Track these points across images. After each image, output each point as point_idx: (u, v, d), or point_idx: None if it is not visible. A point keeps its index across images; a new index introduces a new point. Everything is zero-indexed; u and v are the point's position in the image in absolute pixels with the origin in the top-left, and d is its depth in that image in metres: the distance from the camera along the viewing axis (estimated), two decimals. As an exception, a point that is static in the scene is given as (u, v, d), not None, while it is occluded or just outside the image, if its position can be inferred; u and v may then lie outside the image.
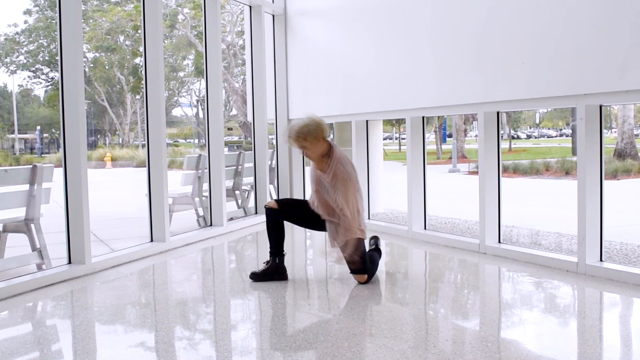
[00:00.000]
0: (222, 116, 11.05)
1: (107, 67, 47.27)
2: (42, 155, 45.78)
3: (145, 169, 9.63)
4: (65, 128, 7.97)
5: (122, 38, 46.86)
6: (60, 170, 8.12)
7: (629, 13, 6.78)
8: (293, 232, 10.80)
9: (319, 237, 9.90)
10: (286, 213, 7.68)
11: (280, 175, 13.33)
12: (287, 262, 7.88)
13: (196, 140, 54.13)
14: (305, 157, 6.89)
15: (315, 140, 7.21)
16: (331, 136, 12.77)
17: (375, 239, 8.26)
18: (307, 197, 7.92)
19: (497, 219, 8.89)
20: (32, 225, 8.25)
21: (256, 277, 7.52)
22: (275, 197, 13.38)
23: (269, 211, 7.61)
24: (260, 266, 7.66)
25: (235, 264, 9.25)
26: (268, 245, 7.63)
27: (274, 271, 7.56)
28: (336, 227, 7.33)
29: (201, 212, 11.98)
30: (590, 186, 7.44)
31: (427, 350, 5.06)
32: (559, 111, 58.59)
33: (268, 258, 7.63)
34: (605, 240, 7.79)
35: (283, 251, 7.64)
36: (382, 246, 8.06)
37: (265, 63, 12.79)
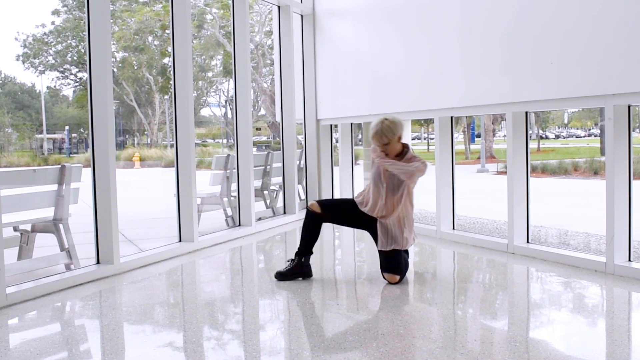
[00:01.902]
0: (250, 116, 11.07)
1: (135, 67, 47.37)
2: (71, 155, 45.90)
3: (174, 169, 9.66)
4: (94, 128, 8.01)
5: (150, 38, 46.94)
6: (89, 170, 8.16)
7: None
8: (322, 232, 10.81)
9: (346, 237, 9.90)
10: (329, 216, 7.73)
11: (308, 175, 13.31)
12: (316, 261, 7.91)
13: (225, 140, 54.11)
14: (381, 152, 7.00)
15: (397, 136, 7.53)
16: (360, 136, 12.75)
17: None
18: (354, 195, 7.87)
19: (526, 219, 8.86)
20: (61, 225, 8.29)
21: (281, 276, 7.58)
22: (304, 197, 13.39)
23: (310, 214, 7.67)
24: (286, 266, 7.68)
25: (263, 264, 9.26)
26: (298, 243, 7.70)
27: (299, 270, 7.64)
28: (387, 229, 7.44)
29: (229, 212, 12.00)
30: (618, 186, 7.41)
31: (456, 351, 5.06)
32: (587, 111, 58.20)
33: (293, 256, 7.70)
34: (634, 240, 7.75)
35: (311, 252, 7.69)
36: (410, 246, 8.05)
37: (294, 63, 12.80)
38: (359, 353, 5.02)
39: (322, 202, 7.78)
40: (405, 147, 7.64)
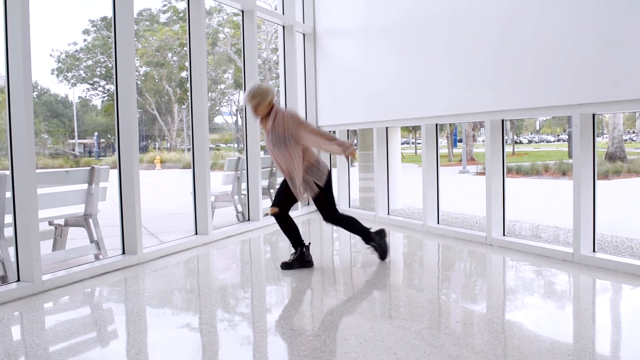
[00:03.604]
0: (258, 123, 11.07)
1: (156, 80, 47.43)
2: (99, 158, 45.99)
3: (191, 170, 9.68)
4: (120, 134, 8.02)
5: (169, 54, 46.99)
6: (115, 171, 8.18)
7: (621, 31, 6.76)
8: (321, 227, 10.80)
9: (343, 231, 9.90)
10: (285, 206, 7.79)
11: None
12: (316, 252, 7.91)
13: (235, 145, 54.12)
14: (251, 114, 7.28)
15: (267, 101, 7.58)
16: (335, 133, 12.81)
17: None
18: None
19: (502, 215, 8.87)
20: (90, 220, 8.31)
21: (286, 266, 7.65)
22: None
23: (275, 218, 7.83)
24: (290, 257, 7.71)
25: (270, 254, 9.26)
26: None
27: (300, 260, 7.69)
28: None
29: (240, 208, 12.00)
30: (584, 185, 7.42)
31: (440, 331, 5.06)
32: (557, 119, 58.18)
33: (294, 250, 7.79)
34: (597, 233, 7.77)
35: (303, 242, 7.75)
36: (390, 237, 8.00)
37: (297, 76, 12.82)
38: (354, 333, 5.02)
39: (274, 203, 7.83)
40: (271, 108, 7.62)
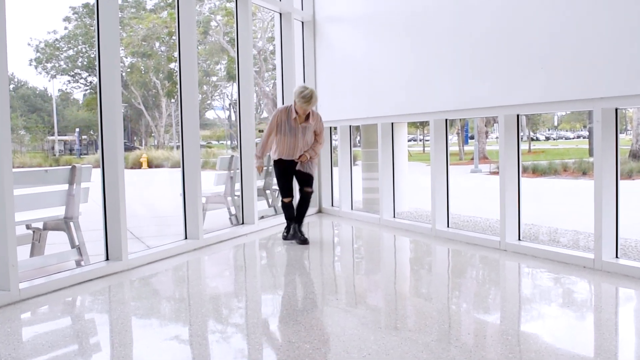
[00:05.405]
0: (253, 119, 11.06)
1: (143, 72, 47.39)
2: (81, 156, 45.93)
3: (180, 169, 9.67)
4: (103, 130, 8.01)
5: (157, 44, 46.96)
6: (98, 170, 8.17)
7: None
8: (321, 230, 10.80)
9: (345, 234, 9.89)
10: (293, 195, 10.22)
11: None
12: (316, 257, 7.92)
13: (228, 142, 54.11)
14: (301, 112, 9.71)
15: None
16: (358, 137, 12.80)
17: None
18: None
19: (517, 217, 8.87)
20: (72, 223, 8.29)
21: (285, 238, 10.14)
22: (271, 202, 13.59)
23: (288, 204, 10.11)
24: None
25: (265, 260, 9.26)
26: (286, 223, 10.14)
27: (294, 234, 9.99)
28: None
29: (233, 211, 12.00)
30: (606, 186, 7.42)
31: (450, 344, 5.06)
32: (577, 114, 58.17)
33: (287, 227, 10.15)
34: (620, 238, 7.75)
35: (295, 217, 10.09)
36: (396, 241, 7.99)
37: (295, 68, 12.83)
38: (357, 346, 5.02)
39: (288, 194, 10.07)
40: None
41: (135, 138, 51.98)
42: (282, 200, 10.05)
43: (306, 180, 9.98)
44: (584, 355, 4.80)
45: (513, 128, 8.79)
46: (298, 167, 9.89)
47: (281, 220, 11.68)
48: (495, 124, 44.18)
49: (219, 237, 10.21)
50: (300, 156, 9.83)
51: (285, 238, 10.15)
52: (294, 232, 10.00)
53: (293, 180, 10.09)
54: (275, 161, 10.05)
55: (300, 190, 10.10)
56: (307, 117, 9.76)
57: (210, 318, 6.08)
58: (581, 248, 8.94)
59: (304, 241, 9.81)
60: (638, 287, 6.75)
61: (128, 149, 46.71)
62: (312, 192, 10.08)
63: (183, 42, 9.51)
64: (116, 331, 5.71)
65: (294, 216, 10.08)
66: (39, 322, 6.14)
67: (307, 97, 9.51)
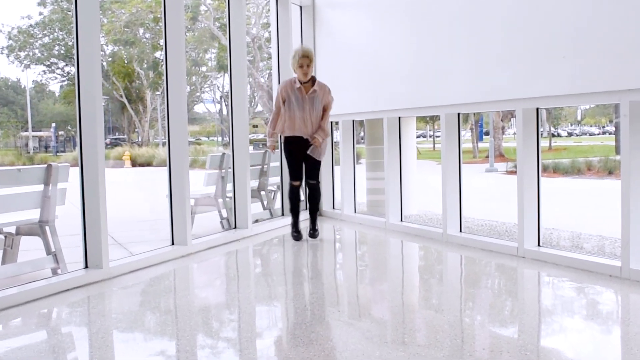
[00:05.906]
0: (246, 113, 11.07)
1: (125, 62, 47.47)
2: (57, 154, 45.99)
3: (166, 168, 9.66)
4: (82, 125, 8.00)
5: (141, 31, 47.02)
6: (77, 169, 8.16)
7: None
8: (322, 235, 10.80)
9: (348, 239, 9.90)
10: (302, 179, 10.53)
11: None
12: (316, 265, 7.90)
13: (219, 138, 54.24)
14: (301, 76, 10.18)
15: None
16: (361, 133, 12.89)
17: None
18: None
19: (537, 221, 8.86)
20: (47, 228, 8.29)
21: (296, 238, 10.38)
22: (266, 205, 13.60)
23: (296, 188, 10.47)
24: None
25: (260, 268, 9.27)
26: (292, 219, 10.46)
27: (293, 230, 10.47)
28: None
29: (225, 214, 12.00)
30: (634, 186, 7.39)
31: (463, 359, 5.06)
32: (602, 107, 58.27)
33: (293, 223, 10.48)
34: (651, 244, 7.77)
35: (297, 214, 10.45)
36: (404, 248, 8.00)
37: (292, 57, 12.79)
38: (361, 362, 5.03)
39: (298, 177, 10.40)
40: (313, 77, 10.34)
41: (118, 133, 52.04)
42: (290, 184, 10.40)
43: (312, 170, 10.32)
44: (611, 373, 4.80)
45: (532, 123, 8.78)
46: (309, 152, 10.16)
47: (277, 225, 11.70)
48: (512, 119, 44.24)
49: (209, 243, 10.16)
50: (313, 139, 10.13)
51: (296, 239, 10.38)
52: (310, 223, 10.56)
53: (303, 164, 10.40)
54: (285, 140, 10.40)
55: (306, 183, 10.47)
56: (313, 84, 10.20)
57: (199, 332, 6.08)
58: (607, 255, 8.94)
59: (312, 234, 10.37)
60: (670, 297, 6.76)
61: (117, 145, 46.80)
62: (318, 183, 10.46)
63: (169, 29, 9.50)
64: (96, 346, 5.71)
65: (298, 210, 10.50)
66: (12, 336, 6.14)
67: (306, 51, 10.04)
